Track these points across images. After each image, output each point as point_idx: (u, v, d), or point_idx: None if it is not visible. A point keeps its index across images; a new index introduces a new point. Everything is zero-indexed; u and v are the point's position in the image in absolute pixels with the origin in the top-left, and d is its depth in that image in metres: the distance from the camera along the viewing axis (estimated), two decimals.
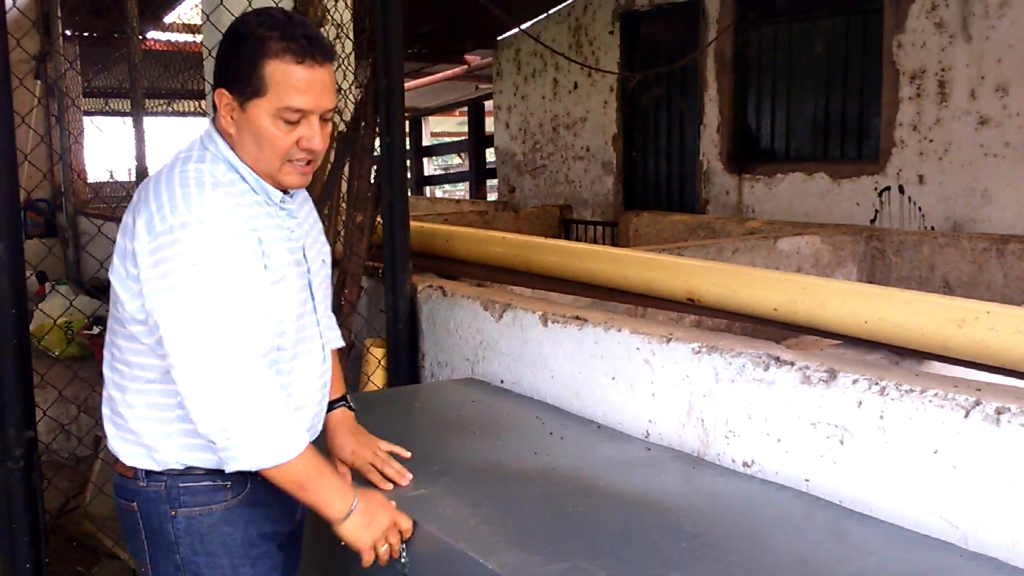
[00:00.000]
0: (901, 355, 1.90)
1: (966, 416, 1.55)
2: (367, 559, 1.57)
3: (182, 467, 1.58)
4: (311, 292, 1.67)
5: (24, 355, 2.31)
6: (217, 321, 1.45)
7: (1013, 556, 1.49)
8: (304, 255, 1.66)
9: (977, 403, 1.54)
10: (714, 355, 1.99)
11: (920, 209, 5.55)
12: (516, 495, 1.75)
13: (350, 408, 1.86)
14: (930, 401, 1.60)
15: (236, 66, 1.52)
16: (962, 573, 1.45)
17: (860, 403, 1.70)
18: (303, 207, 1.73)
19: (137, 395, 1.59)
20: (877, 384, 1.68)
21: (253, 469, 1.49)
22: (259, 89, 1.51)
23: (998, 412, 1.51)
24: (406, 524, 1.60)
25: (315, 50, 1.52)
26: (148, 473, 1.59)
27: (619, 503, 1.73)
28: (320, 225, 1.81)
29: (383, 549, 1.57)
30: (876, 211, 5.77)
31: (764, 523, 1.67)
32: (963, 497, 1.56)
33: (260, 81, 1.51)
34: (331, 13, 3.49)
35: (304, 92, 1.51)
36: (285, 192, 1.64)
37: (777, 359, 1.87)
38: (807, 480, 1.80)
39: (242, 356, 1.46)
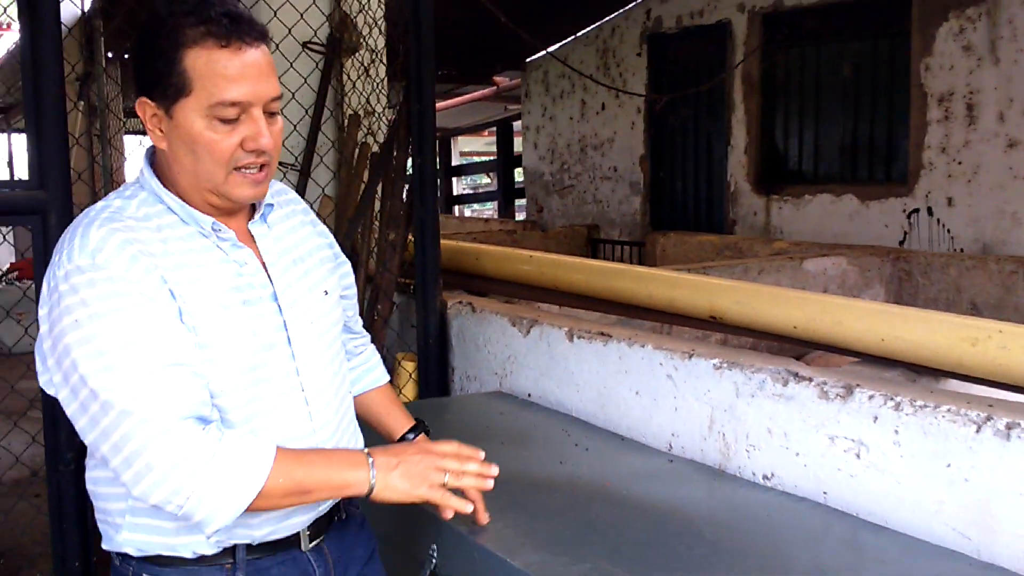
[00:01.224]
0: (918, 372, 1.95)
1: (978, 431, 1.60)
2: (440, 502, 1.34)
3: (140, 553, 1.33)
4: (287, 333, 1.36)
5: None
6: (112, 384, 1.19)
7: (1022, 568, 1.54)
8: (273, 288, 1.36)
9: (988, 418, 1.59)
10: (735, 371, 2.05)
11: (949, 231, 5.56)
12: (541, 501, 1.83)
13: (426, 431, 1.65)
14: (943, 416, 1.65)
15: (152, 66, 1.26)
16: None
17: (876, 418, 1.76)
18: (286, 223, 1.46)
19: (97, 469, 1.34)
20: (892, 400, 1.74)
21: (239, 511, 1.22)
22: (182, 87, 1.24)
23: (1008, 427, 1.56)
24: (449, 447, 1.39)
25: (242, 29, 1.25)
26: (123, 558, 1.35)
27: (641, 511, 1.79)
28: (323, 243, 1.55)
29: (445, 479, 1.34)
30: (905, 233, 5.80)
31: (782, 533, 1.73)
32: (975, 509, 1.61)
33: (181, 77, 1.24)
34: (366, 39, 3.61)
35: (236, 81, 1.24)
36: (253, 210, 1.40)
37: (796, 375, 1.93)
38: (825, 493, 1.86)
39: (155, 416, 1.19)
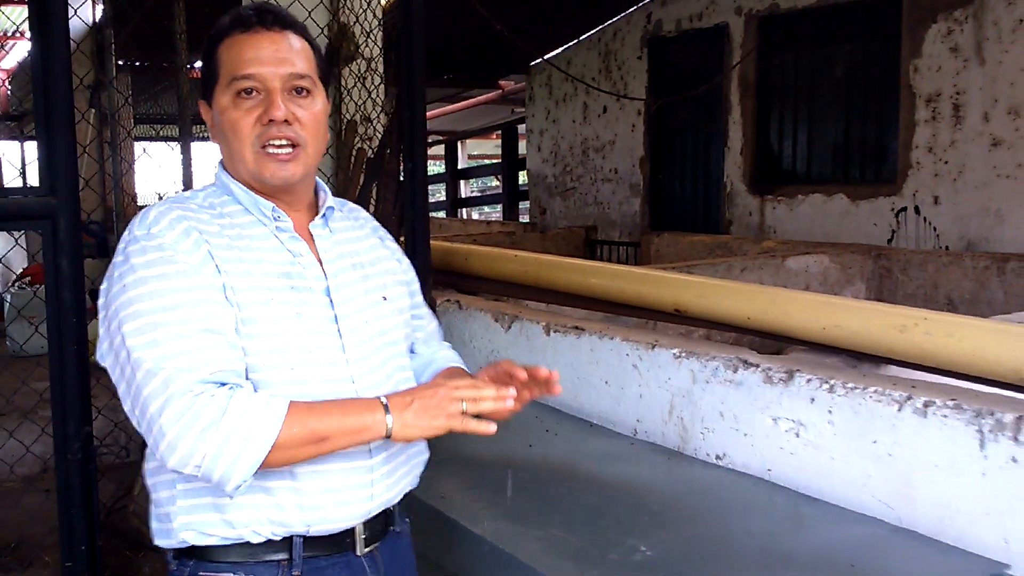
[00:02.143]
0: (860, 359, 2.10)
1: (899, 409, 1.75)
2: (462, 429, 1.31)
3: (201, 539, 1.32)
4: (337, 326, 1.37)
5: (83, 359, 2.60)
6: (144, 344, 1.23)
7: (938, 532, 1.69)
8: (327, 283, 1.39)
9: (909, 398, 1.74)
10: (692, 359, 2.20)
11: (935, 229, 5.68)
12: (507, 480, 1.99)
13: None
14: (870, 397, 1.80)
15: (203, 70, 1.39)
16: (889, 544, 1.65)
17: (813, 400, 1.91)
18: (353, 232, 1.49)
19: (150, 459, 1.36)
20: (827, 383, 1.89)
21: (256, 464, 1.22)
22: (215, 75, 1.36)
23: (926, 406, 1.71)
24: (463, 380, 1.36)
25: (264, 18, 1.35)
26: (179, 560, 1.36)
27: (598, 487, 1.95)
28: (392, 259, 1.55)
29: (463, 407, 1.30)
30: (893, 231, 5.92)
31: (726, 505, 1.89)
32: (897, 481, 1.76)
33: (214, 67, 1.36)
34: (362, 49, 3.78)
35: (251, 57, 1.33)
36: (315, 213, 1.43)
37: (745, 362, 2.08)
38: (769, 470, 2.01)
39: (178, 378, 1.22)
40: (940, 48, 5.64)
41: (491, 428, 1.32)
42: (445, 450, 2.18)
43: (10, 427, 3.85)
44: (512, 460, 2.14)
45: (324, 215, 1.44)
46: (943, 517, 1.69)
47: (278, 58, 1.34)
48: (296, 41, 1.37)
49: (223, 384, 1.24)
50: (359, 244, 1.49)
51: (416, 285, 1.62)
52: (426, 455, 1.53)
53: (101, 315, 1.32)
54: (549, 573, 1.52)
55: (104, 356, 1.32)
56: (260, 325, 1.30)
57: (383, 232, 1.60)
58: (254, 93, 1.34)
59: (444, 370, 1.58)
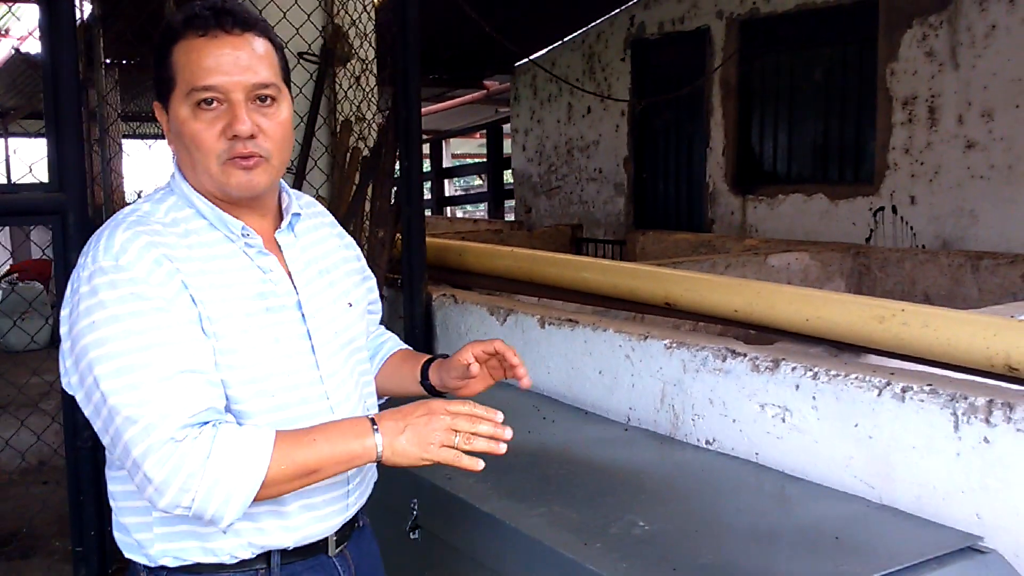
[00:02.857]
0: (841, 349, 2.22)
1: (879, 395, 1.87)
2: (451, 463, 1.27)
3: (178, 563, 1.32)
4: (311, 342, 1.35)
5: None
6: (121, 389, 1.18)
7: (916, 509, 1.81)
8: (297, 297, 1.36)
9: (888, 384, 1.86)
10: (682, 349, 2.32)
11: (912, 228, 5.84)
12: (509, 462, 2.07)
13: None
14: (852, 383, 1.92)
15: (155, 70, 1.29)
16: (871, 520, 1.77)
17: (798, 386, 2.02)
18: (314, 233, 1.47)
19: (117, 482, 1.35)
20: (811, 370, 2.00)
21: (246, 503, 1.21)
22: (170, 80, 1.27)
23: (903, 391, 1.83)
24: (463, 407, 1.30)
25: (222, 20, 1.26)
26: (148, 571, 1.35)
27: (595, 469, 2.06)
28: (351, 256, 1.55)
29: (456, 441, 1.26)
30: (871, 230, 6.08)
31: (717, 485, 2.00)
32: (877, 462, 1.88)
33: (169, 71, 1.27)
34: (357, 50, 3.88)
35: (210, 67, 1.25)
36: (279, 218, 1.40)
37: (733, 351, 2.19)
38: (757, 453, 2.12)
39: (158, 425, 1.18)
40: (916, 52, 5.80)
41: (479, 465, 1.29)
42: None
43: (5, 421, 3.92)
44: (511, 445, 2.24)
45: (291, 223, 1.41)
46: (920, 495, 1.81)
47: (240, 66, 1.26)
48: (259, 44, 1.29)
49: (205, 423, 1.20)
50: (322, 246, 1.47)
51: (370, 274, 1.60)
52: None
53: (66, 344, 1.26)
54: (554, 545, 1.62)
55: (73, 388, 1.27)
56: (239, 355, 1.27)
57: (339, 228, 1.58)
58: (215, 104, 1.26)
59: (396, 354, 1.62)
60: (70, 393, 1.28)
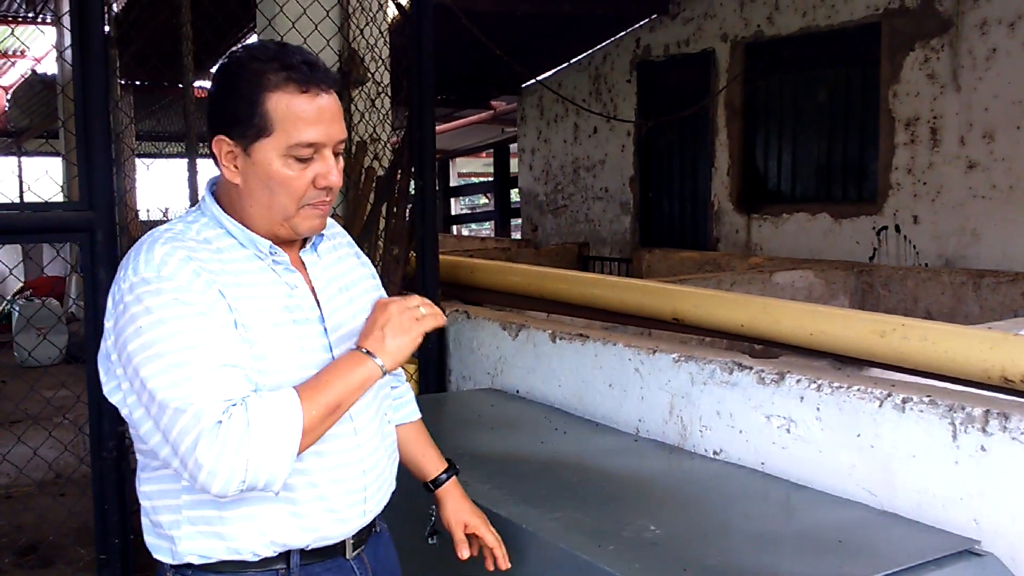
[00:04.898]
0: (844, 362, 2.30)
1: (880, 406, 1.95)
2: (437, 323, 1.43)
3: (203, 561, 1.41)
4: (332, 355, 1.45)
5: None
6: (168, 384, 1.28)
7: (917, 515, 1.88)
8: (320, 312, 1.47)
9: (889, 395, 1.94)
10: (690, 363, 2.40)
11: (915, 247, 5.92)
12: (523, 470, 2.17)
13: (456, 473, 1.76)
14: (854, 395, 2.00)
15: (233, 107, 1.37)
16: (873, 525, 1.84)
17: (802, 398, 2.10)
18: (334, 253, 1.57)
19: (152, 483, 1.43)
20: (815, 383, 2.08)
21: (293, 457, 1.31)
22: (263, 128, 1.36)
23: (904, 402, 1.91)
24: (400, 300, 1.44)
25: (318, 76, 1.37)
26: (174, 569, 1.43)
27: (607, 477, 2.14)
28: (367, 274, 1.64)
29: (425, 317, 1.41)
30: (875, 249, 6.16)
31: (725, 493, 2.07)
32: (879, 470, 1.95)
33: (263, 119, 1.36)
34: (372, 74, 3.99)
35: (314, 124, 1.36)
36: (304, 242, 1.50)
37: (740, 365, 2.28)
38: (763, 463, 2.20)
39: (206, 411, 1.27)
40: (918, 74, 5.90)
41: (442, 321, 1.45)
42: (463, 448, 2.37)
43: (24, 434, 4.00)
44: (524, 455, 2.33)
45: (315, 243, 1.52)
46: (920, 501, 1.88)
47: (334, 125, 1.39)
48: (337, 101, 1.41)
49: (234, 404, 1.29)
50: (342, 265, 1.57)
51: (383, 292, 1.69)
52: (398, 456, 1.66)
53: (113, 355, 1.36)
54: (570, 548, 1.70)
55: (121, 393, 1.36)
56: (269, 361, 1.37)
57: (356, 248, 1.68)
58: (311, 157, 1.38)
59: (410, 426, 1.77)
60: (112, 401, 1.38)
